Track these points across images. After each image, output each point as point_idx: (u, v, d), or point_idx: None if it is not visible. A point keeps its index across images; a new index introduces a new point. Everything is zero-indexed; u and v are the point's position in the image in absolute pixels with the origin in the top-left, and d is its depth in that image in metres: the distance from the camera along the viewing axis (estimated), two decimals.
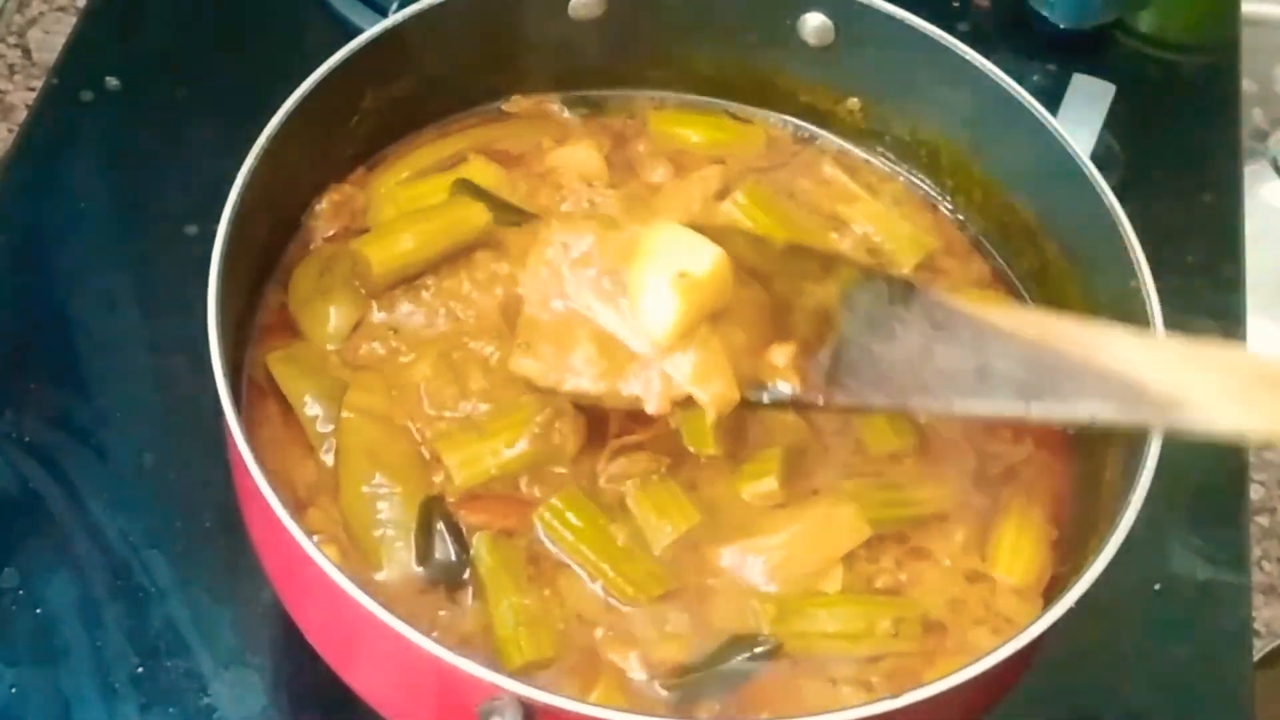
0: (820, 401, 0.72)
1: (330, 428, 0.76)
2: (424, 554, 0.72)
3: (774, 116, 0.93)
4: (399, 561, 0.72)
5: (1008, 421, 0.71)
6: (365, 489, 0.74)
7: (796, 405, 0.73)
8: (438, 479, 0.75)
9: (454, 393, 0.77)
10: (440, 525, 0.73)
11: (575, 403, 0.74)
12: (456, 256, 0.81)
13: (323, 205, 0.84)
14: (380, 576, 0.72)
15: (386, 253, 0.80)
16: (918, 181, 0.91)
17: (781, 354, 0.72)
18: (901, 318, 0.72)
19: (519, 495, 0.74)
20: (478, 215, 0.83)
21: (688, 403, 0.71)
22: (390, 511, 0.73)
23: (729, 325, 0.72)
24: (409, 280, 0.80)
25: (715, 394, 0.70)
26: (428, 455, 0.75)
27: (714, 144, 0.91)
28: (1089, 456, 0.79)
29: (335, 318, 0.79)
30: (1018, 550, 0.76)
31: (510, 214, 0.84)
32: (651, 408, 0.71)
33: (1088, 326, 0.71)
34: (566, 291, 0.73)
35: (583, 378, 0.72)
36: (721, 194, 0.88)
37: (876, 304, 0.73)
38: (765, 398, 0.72)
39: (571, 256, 0.73)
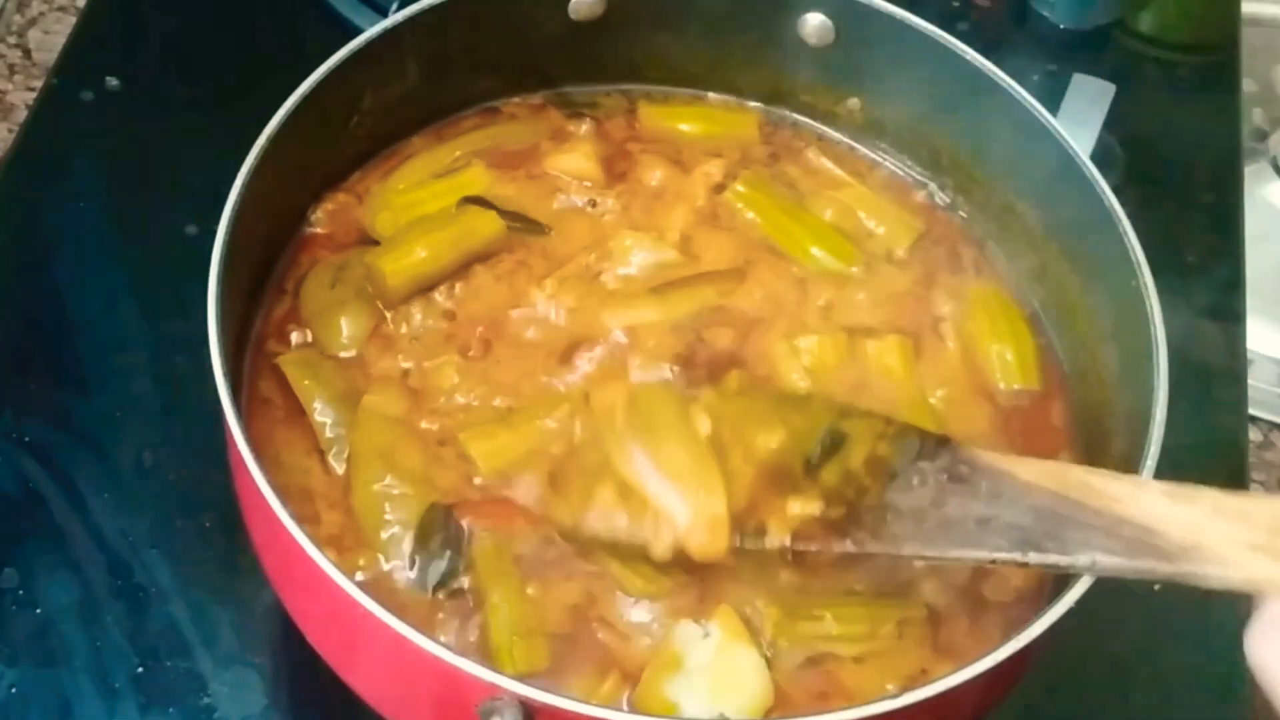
0: (814, 549, 0.70)
1: (341, 431, 0.76)
2: (422, 557, 0.72)
3: (760, 106, 0.94)
4: (405, 562, 0.72)
5: (1001, 564, 0.69)
6: (376, 488, 0.74)
7: (793, 554, 0.70)
8: (449, 482, 0.75)
9: (480, 394, 0.78)
10: (441, 529, 0.73)
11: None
12: (470, 264, 0.82)
13: (318, 214, 0.85)
14: (385, 576, 0.72)
15: (400, 264, 0.81)
16: (918, 178, 0.92)
17: (800, 506, 0.70)
18: (923, 470, 0.70)
19: (524, 501, 0.75)
20: (490, 224, 0.83)
21: None
22: (399, 512, 0.73)
23: (746, 468, 0.71)
24: (423, 290, 0.81)
25: (707, 550, 0.70)
26: (445, 453, 0.76)
27: (707, 135, 0.92)
28: (1089, 458, 0.79)
29: (349, 328, 0.80)
30: None
31: (519, 220, 0.85)
32: (656, 556, 0.71)
33: (1114, 480, 0.67)
34: (605, 437, 0.74)
35: (600, 524, 0.72)
36: (720, 186, 0.88)
37: (903, 459, 0.71)
38: (762, 544, 0.70)
39: (613, 413, 0.74)
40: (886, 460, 0.71)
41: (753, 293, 0.84)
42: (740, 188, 0.88)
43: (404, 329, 0.80)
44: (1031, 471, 0.69)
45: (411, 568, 0.72)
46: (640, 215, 0.87)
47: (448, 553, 0.72)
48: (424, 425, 0.77)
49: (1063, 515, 0.66)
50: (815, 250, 0.86)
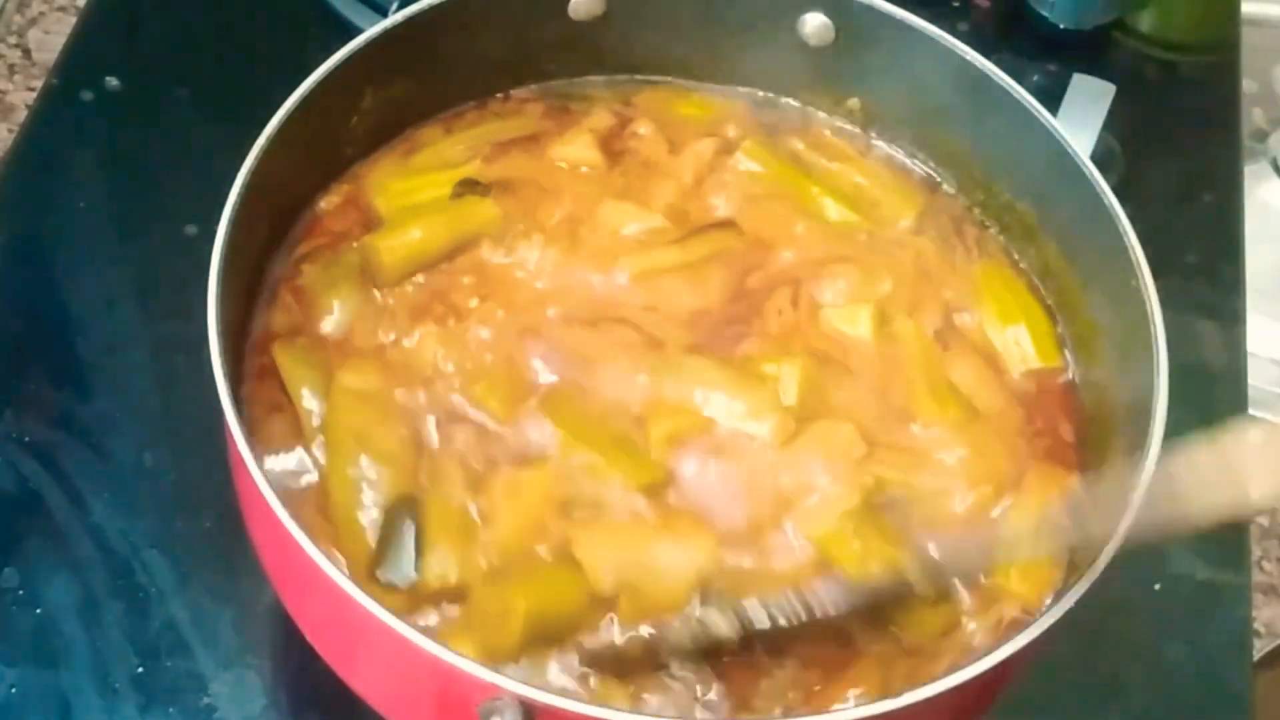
0: None
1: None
2: (381, 558, 0.72)
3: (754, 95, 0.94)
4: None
5: None
6: (351, 471, 0.73)
7: None
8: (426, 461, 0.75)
9: (461, 359, 0.78)
10: (398, 536, 0.72)
11: None
12: (466, 248, 0.82)
13: (318, 210, 0.84)
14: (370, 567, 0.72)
15: (395, 243, 0.81)
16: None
17: None
18: None
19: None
20: (487, 209, 0.84)
21: None
22: (376, 496, 0.73)
23: None
24: (419, 272, 0.81)
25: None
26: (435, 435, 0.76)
27: (704, 120, 0.92)
28: (1089, 457, 0.79)
29: (340, 310, 0.80)
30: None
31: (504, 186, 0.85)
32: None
33: None
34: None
35: None
36: (727, 150, 0.89)
37: None
38: None
39: None
40: None
41: (760, 242, 0.85)
42: (749, 145, 0.88)
43: (393, 305, 0.80)
44: None
45: (376, 569, 0.72)
46: (632, 195, 0.86)
47: (408, 558, 0.72)
48: (406, 402, 0.76)
49: None
50: (830, 205, 0.86)
